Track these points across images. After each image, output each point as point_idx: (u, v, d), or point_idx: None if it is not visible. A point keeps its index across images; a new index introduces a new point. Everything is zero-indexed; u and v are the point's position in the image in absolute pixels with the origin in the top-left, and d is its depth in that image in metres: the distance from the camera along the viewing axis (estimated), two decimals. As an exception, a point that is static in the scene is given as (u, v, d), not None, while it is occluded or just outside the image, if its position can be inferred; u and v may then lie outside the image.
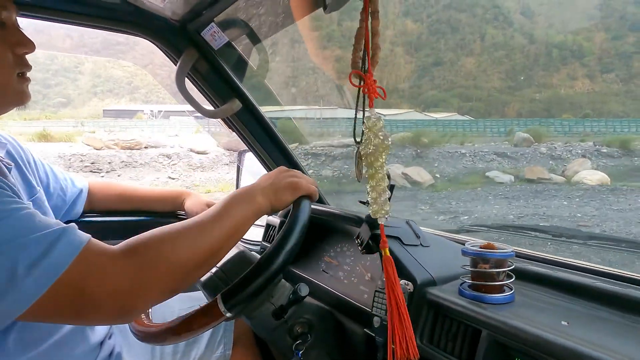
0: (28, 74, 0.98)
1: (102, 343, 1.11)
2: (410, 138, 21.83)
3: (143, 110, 41.71)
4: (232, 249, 0.98)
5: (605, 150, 20.21)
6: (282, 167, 1.04)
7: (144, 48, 1.52)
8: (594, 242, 1.16)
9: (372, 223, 1.05)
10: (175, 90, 1.44)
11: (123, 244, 0.78)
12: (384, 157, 0.81)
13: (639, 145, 20.58)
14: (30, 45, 0.96)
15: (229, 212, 0.89)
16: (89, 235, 0.77)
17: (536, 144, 22.01)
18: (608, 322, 0.83)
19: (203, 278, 1.02)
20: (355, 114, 0.80)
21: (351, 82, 0.79)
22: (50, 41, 1.63)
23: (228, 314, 0.87)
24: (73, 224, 0.78)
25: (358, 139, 0.82)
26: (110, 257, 0.76)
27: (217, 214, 0.88)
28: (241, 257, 1.05)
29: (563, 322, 0.80)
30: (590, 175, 15.63)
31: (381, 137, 0.79)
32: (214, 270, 1.02)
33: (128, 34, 1.37)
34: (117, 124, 30.07)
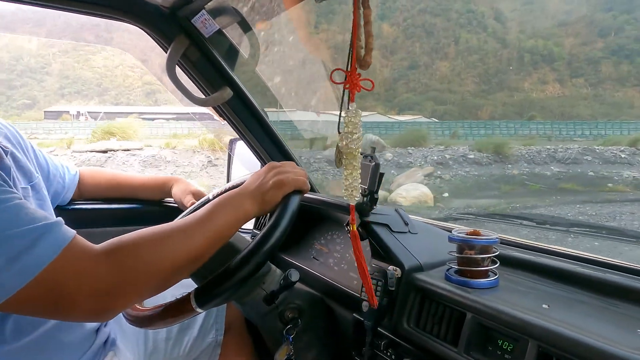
0: None
1: (97, 330, 1.11)
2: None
3: (69, 111, 38.59)
4: None
5: (472, 156, 16.26)
6: (271, 164, 1.01)
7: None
8: (576, 229, 1.21)
9: (361, 211, 1.07)
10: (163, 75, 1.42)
11: (105, 244, 0.78)
12: (359, 150, 0.84)
13: (519, 151, 16.79)
14: None
15: (213, 218, 0.88)
16: (73, 232, 0.77)
17: (412, 147, 17.13)
18: (587, 305, 0.86)
19: None
20: (340, 109, 0.83)
21: (332, 79, 0.82)
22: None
23: (199, 310, 0.88)
24: (60, 219, 0.78)
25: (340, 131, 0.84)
26: (91, 258, 0.76)
27: (200, 219, 0.87)
28: (228, 245, 1.04)
29: (544, 305, 0.83)
30: (406, 192, 11.47)
31: (360, 131, 0.82)
32: None
33: (117, 20, 1.34)
34: (40, 126, 27.53)
